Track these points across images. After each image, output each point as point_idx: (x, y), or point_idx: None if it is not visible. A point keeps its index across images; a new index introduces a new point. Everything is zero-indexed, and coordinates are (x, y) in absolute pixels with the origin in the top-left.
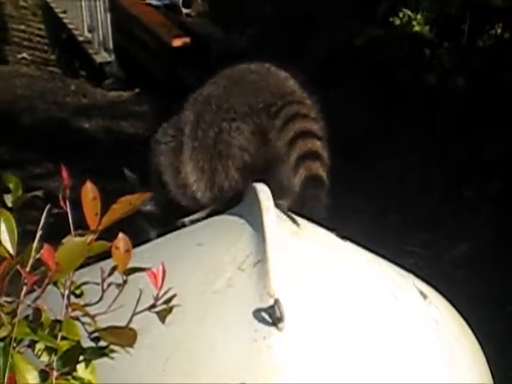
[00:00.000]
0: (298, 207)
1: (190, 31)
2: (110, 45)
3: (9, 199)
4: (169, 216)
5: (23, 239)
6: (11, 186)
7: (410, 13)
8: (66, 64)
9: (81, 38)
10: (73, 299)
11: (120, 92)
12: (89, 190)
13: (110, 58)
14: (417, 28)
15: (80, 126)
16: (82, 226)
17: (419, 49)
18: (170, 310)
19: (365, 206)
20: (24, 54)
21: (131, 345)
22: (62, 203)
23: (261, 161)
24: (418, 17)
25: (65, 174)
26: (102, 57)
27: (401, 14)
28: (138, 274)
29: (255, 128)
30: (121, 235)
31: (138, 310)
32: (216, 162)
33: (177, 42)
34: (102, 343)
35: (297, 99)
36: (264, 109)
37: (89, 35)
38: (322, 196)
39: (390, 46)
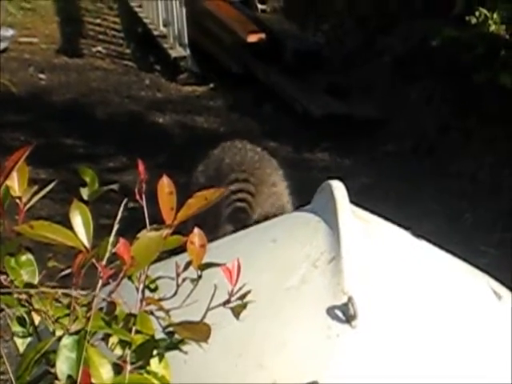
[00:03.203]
0: None
1: (265, 27)
2: (185, 40)
3: (85, 192)
4: None
5: (97, 233)
6: (87, 179)
7: (486, 12)
8: (140, 58)
9: (156, 33)
10: (147, 293)
11: (194, 87)
12: (165, 185)
13: (185, 52)
14: (493, 27)
15: (154, 120)
16: (155, 220)
17: (495, 49)
18: (244, 305)
19: (438, 205)
20: (99, 48)
21: (205, 340)
22: (138, 197)
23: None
24: (495, 16)
25: (141, 167)
26: (177, 51)
27: (477, 13)
28: (212, 269)
29: None
30: (196, 230)
31: (212, 305)
32: None
33: (252, 38)
34: (176, 338)
35: (242, 177)
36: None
37: (164, 30)
38: None
39: (466, 46)
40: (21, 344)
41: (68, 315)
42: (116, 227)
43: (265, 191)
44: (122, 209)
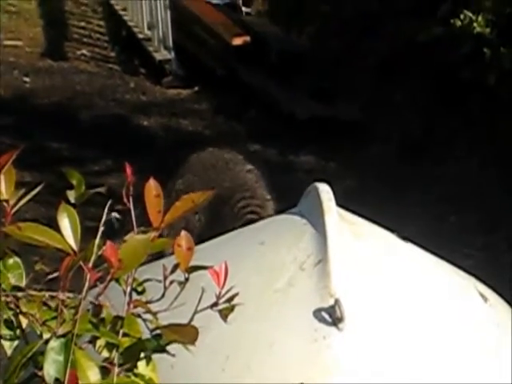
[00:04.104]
0: None
1: (250, 30)
2: (170, 43)
3: (72, 195)
4: None
5: (83, 236)
6: (74, 182)
7: (470, 14)
8: (125, 61)
9: (141, 36)
10: (134, 296)
11: (179, 90)
12: (152, 188)
13: (170, 55)
14: (478, 29)
15: (139, 123)
16: (141, 222)
17: (480, 49)
18: (232, 308)
19: (422, 207)
20: (84, 51)
21: (193, 342)
22: (125, 200)
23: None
24: (479, 18)
25: (129, 170)
26: (162, 54)
27: (462, 16)
28: (199, 272)
29: (212, 216)
30: (183, 233)
31: (200, 308)
32: None
33: (237, 41)
34: (164, 340)
35: (248, 195)
36: (221, 201)
37: (149, 33)
38: None
39: (451, 45)
40: (8, 347)
41: (55, 318)
42: (101, 229)
43: (267, 205)
44: (107, 211)
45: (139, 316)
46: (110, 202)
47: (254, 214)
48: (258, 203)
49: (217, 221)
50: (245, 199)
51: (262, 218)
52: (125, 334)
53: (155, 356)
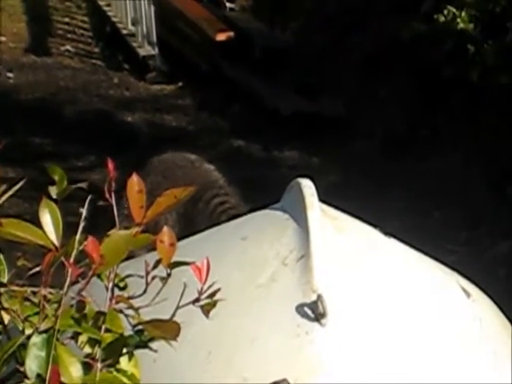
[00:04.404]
0: None
1: (234, 26)
2: (154, 38)
3: (53, 191)
4: None
5: (65, 231)
6: (56, 177)
7: (454, 10)
8: (109, 57)
9: (124, 31)
10: (116, 292)
11: (163, 85)
12: (135, 183)
13: (154, 51)
14: (461, 25)
15: (122, 119)
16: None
17: (463, 45)
18: (214, 304)
19: (406, 203)
20: (68, 47)
21: (175, 338)
22: (107, 195)
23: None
24: (463, 14)
25: (111, 166)
26: (146, 50)
27: (445, 12)
28: (181, 268)
29: (178, 216)
30: (165, 228)
31: (182, 303)
32: None
33: (220, 37)
34: (146, 336)
35: (222, 192)
36: (193, 198)
37: (132, 28)
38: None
39: (435, 42)
40: None
41: (37, 314)
42: (82, 225)
43: (240, 202)
44: (88, 207)
45: (121, 311)
46: (90, 198)
47: (234, 209)
48: (233, 200)
49: (189, 219)
50: (219, 196)
51: (240, 214)
52: (107, 330)
53: (137, 351)
